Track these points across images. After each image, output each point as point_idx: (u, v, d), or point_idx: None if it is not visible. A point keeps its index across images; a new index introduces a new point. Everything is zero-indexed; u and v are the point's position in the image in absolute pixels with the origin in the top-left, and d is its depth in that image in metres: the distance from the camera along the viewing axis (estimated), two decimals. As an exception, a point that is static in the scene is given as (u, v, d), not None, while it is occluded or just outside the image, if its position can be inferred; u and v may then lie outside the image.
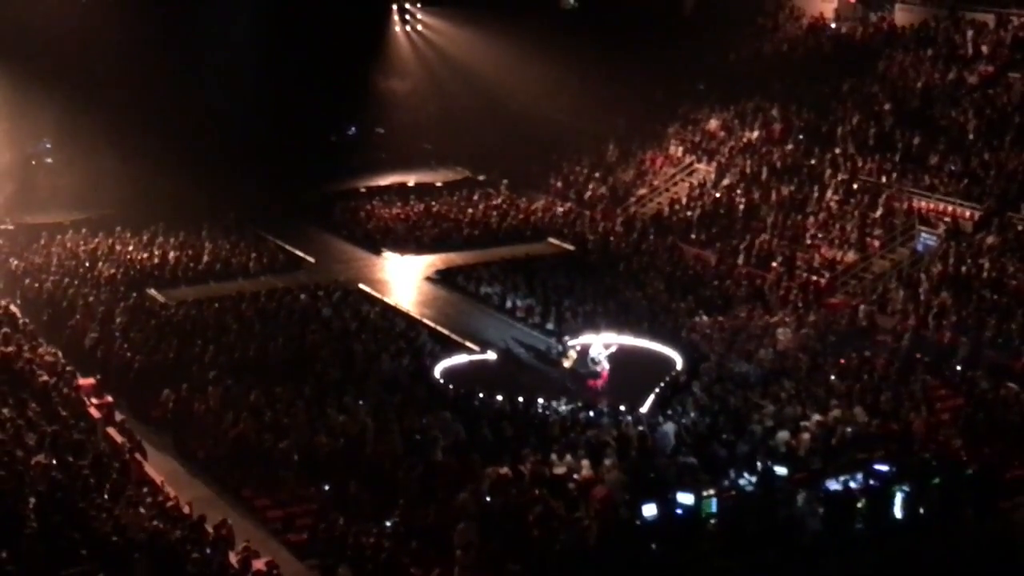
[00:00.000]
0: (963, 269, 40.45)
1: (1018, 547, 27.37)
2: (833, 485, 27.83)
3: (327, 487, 28.54)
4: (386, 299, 44.22)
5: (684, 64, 60.89)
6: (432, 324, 41.46)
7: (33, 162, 57.06)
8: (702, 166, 54.45)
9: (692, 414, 32.59)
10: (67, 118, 53.18)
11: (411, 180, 60.37)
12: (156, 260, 46.46)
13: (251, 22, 58.27)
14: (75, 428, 28.81)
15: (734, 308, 41.56)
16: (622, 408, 33.66)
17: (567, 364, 37.52)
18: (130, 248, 47.68)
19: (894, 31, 56.19)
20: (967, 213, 43.22)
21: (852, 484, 27.87)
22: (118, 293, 42.21)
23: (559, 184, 57.86)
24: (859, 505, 27.63)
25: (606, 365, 36.38)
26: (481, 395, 34.61)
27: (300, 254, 49.52)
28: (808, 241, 46.09)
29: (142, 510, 24.50)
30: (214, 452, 30.94)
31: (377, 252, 50.58)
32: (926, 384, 34.32)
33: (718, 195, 51.37)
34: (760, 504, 27.39)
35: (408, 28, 65.38)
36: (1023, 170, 43.63)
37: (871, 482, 27.95)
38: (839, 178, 48.09)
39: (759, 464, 28.74)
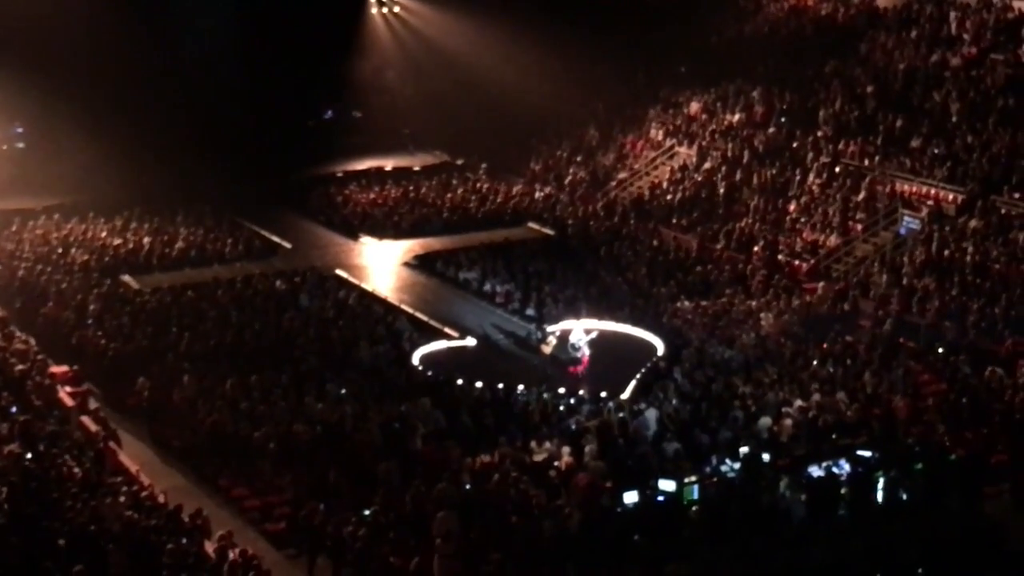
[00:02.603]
0: (946, 253, 40.25)
1: (1001, 532, 27.20)
2: (816, 471, 27.61)
3: (304, 476, 28.20)
4: (364, 285, 43.91)
5: (665, 47, 60.62)
6: (410, 310, 41.18)
7: (4, 147, 56.64)
8: (683, 149, 54.20)
9: (674, 400, 32.30)
10: (39, 103, 52.65)
11: (389, 164, 60.13)
12: (130, 246, 46.17)
13: (226, 5, 57.91)
14: (48, 417, 28.55)
15: (716, 293, 41.30)
16: (603, 394, 33.34)
17: (547, 350, 37.28)
18: (103, 234, 47.42)
19: (876, 12, 55.94)
20: (950, 196, 42.99)
21: (835, 470, 27.62)
22: (92, 280, 41.83)
23: (539, 168, 57.63)
24: (842, 491, 27.41)
25: (587, 351, 36.10)
26: (460, 382, 34.30)
27: (276, 240, 49.23)
28: (790, 225, 45.80)
29: (118, 499, 24.25)
30: (190, 441, 30.71)
31: (355, 237, 50.29)
32: (909, 369, 34.13)
33: (699, 179, 51.15)
34: (743, 490, 27.15)
35: (385, 10, 64.91)
36: (1006, 153, 43.39)
37: (854, 468, 27.71)
38: (821, 161, 47.86)
39: (741, 450, 28.50)
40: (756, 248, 44.61)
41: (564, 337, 36.95)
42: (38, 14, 51.64)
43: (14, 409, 28.15)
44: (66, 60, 52.68)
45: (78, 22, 51.83)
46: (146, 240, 46.82)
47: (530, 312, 40.51)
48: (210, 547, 23.70)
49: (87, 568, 20.69)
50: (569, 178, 55.65)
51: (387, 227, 50.79)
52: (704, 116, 55.33)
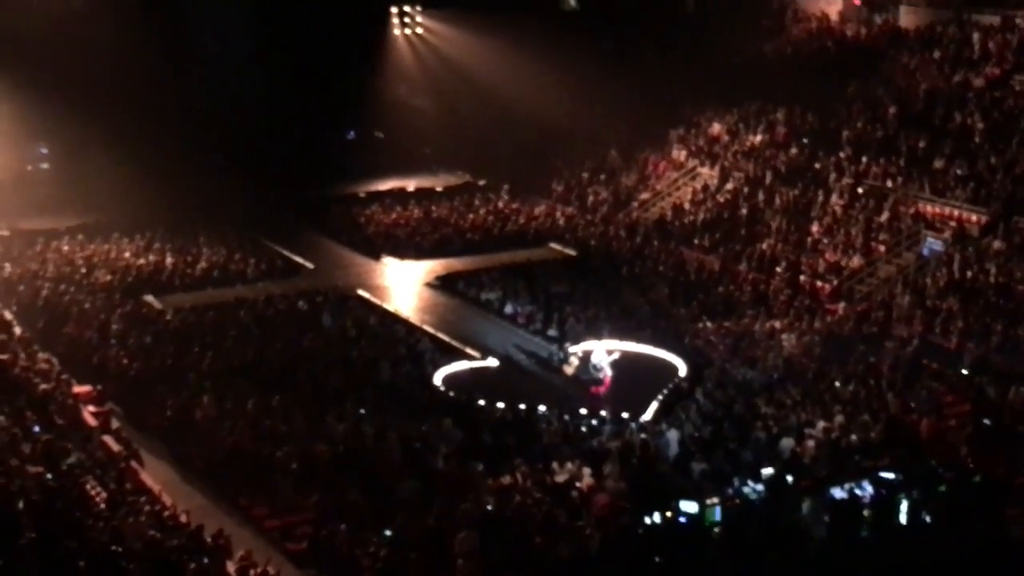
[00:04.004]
0: (969, 274, 40.10)
1: (1025, 555, 27.09)
2: (838, 492, 27.47)
3: (325, 495, 28.18)
4: (386, 305, 43.93)
5: (687, 67, 60.55)
6: (432, 330, 41.16)
7: (29, 168, 56.90)
8: (705, 170, 54.14)
9: (695, 421, 32.22)
10: (64, 123, 52.89)
11: (411, 185, 60.23)
12: (153, 266, 46.19)
13: (249, 26, 58.31)
14: (71, 436, 28.58)
15: (738, 314, 41.20)
16: (625, 415, 33.30)
17: (569, 371, 37.24)
18: (127, 254, 47.52)
19: (899, 33, 55.90)
20: (973, 217, 42.87)
21: (858, 491, 27.50)
22: (115, 300, 41.94)
23: (561, 189, 57.62)
24: (865, 513, 27.29)
25: (608, 372, 36.04)
26: (482, 402, 34.30)
27: (299, 260, 49.31)
28: (812, 246, 45.69)
29: (139, 519, 24.26)
30: (211, 460, 30.63)
31: (377, 257, 50.31)
32: (932, 390, 34.00)
33: (722, 200, 51.07)
34: (765, 512, 27.06)
35: (408, 31, 65.08)
36: (1030, 174, 43.34)
37: (877, 489, 27.60)
38: (844, 182, 47.75)
39: (764, 472, 28.41)
40: (778, 269, 44.49)
41: (586, 358, 36.90)
42: (62, 35, 52.03)
43: (37, 428, 28.19)
44: (90, 81, 52.98)
45: (102, 44, 52.18)
46: (169, 260, 46.95)
47: (552, 333, 40.48)
48: (231, 567, 23.69)
49: (109, 588, 20.73)
50: (591, 198, 55.62)
51: (409, 247, 50.82)
52: (726, 137, 55.26)
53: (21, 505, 22.80)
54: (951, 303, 38.82)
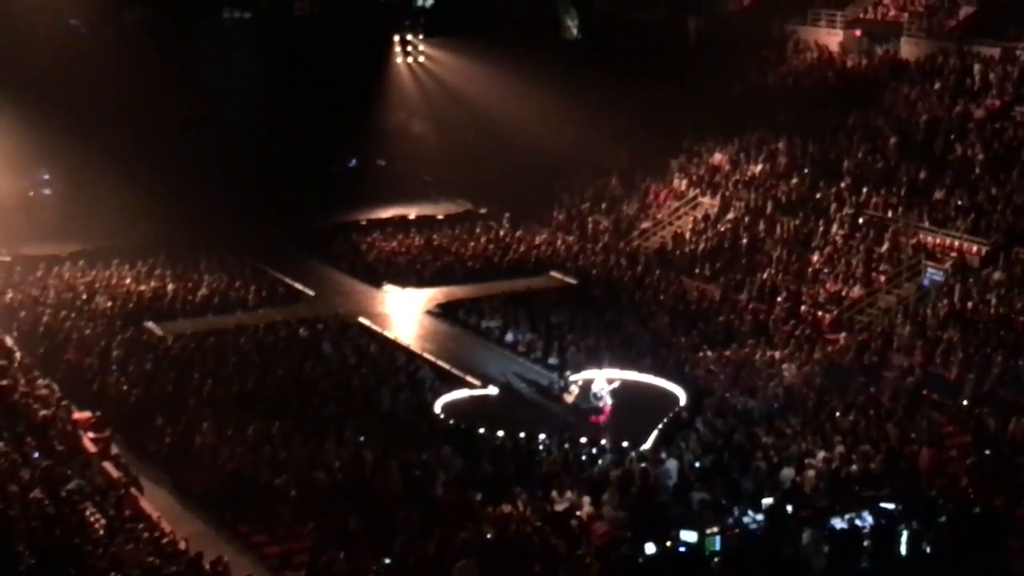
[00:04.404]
0: (970, 305, 40.12)
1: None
2: (839, 523, 27.49)
3: (324, 523, 28.14)
4: (386, 333, 43.91)
5: (688, 96, 60.68)
6: (433, 358, 41.14)
7: (31, 193, 56.90)
8: (706, 199, 54.20)
9: (695, 450, 32.19)
10: (65, 149, 52.92)
11: (412, 213, 60.19)
12: (154, 292, 46.16)
13: (252, 53, 58.36)
14: (71, 463, 28.54)
15: (738, 343, 41.19)
16: (625, 444, 33.25)
17: (569, 399, 37.21)
18: (127, 280, 47.41)
19: (899, 64, 56.05)
20: (974, 248, 42.92)
21: (858, 522, 27.52)
22: (115, 326, 41.90)
23: (561, 217, 57.64)
24: (865, 543, 27.25)
25: (609, 400, 36.00)
26: (482, 430, 34.26)
27: (299, 287, 49.24)
28: (813, 276, 45.70)
29: (138, 545, 24.22)
30: (211, 487, 30.61)
31: (377, 285, 50.28)
32: (933, 421, 33.99)
33: (722, 229, 51.11)
34: (765, 542, 27.03)
35: (410, 59, 65.19)
36: (1030, 205, 43.41)
37: (877, 520, 27.57)
38: (844, 212, 47.81)
39: (764, 501, 28.38)
40: (779, 299, 44.51)
41: (586, 386, 36.87)
42: (65, 60, 52.24)
43: (36, 454, 28.17)
44: (92, 107, 53.02)
45: (105, 70, 52.29)
46: (170, 287, 46.85)
47: (552, 361, 40.44)
48: (230, 594, 23.68)
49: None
50: (592, 227, 55.64)
51: (410, 275, 50.78)
52: (727, 166, 55.34)
53: (21, 531, 22.76)
54: (951, 334, 38.82)
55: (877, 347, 39.64)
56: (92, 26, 57.14)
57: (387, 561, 25.92)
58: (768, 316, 43.48)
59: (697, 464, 31.16)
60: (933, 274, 43.00)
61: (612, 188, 58.51)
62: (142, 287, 46.65)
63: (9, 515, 23.25)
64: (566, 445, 33.06)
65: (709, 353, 40.46)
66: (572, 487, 29.45)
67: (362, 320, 45.13)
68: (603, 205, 57.47)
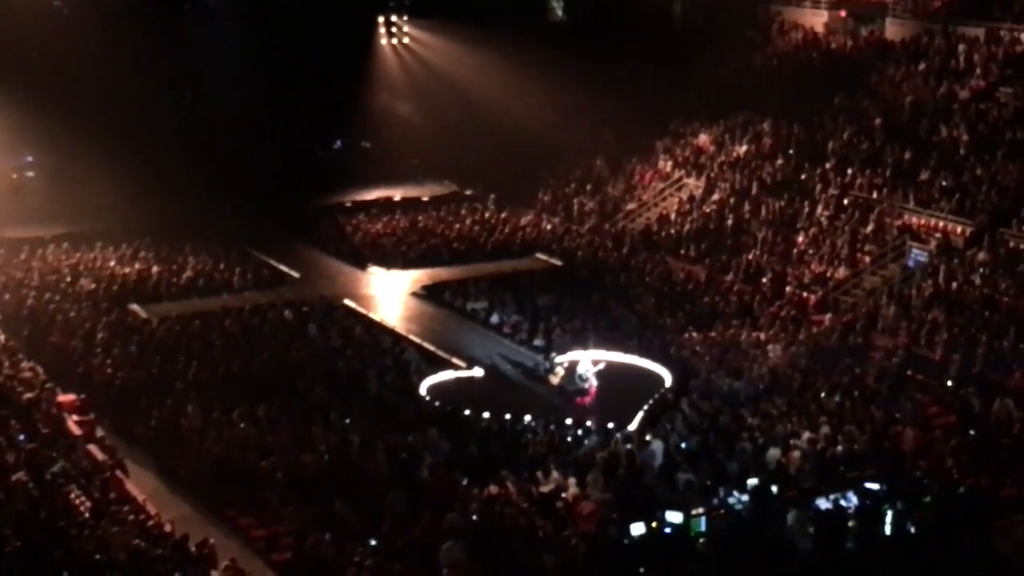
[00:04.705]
0: (954, 285, 40.16)
1: (1010, 567, 27.06)
2: (824, 503, 27.53)
3: (311, 505, 28.14)
4: (372, 315, 43.89)
5: (673, 78, 60.56)
6: (418, 340, 41.13)
7: (14, 176, 56.72)
8: (691, 181, 54.18)
9: (681, 431, 32.22)
10: (49, 132, 52.67)
11: (397, 194, 60.12)
12: (138, 275, 46.07)
13: (236, 34, 58.15)
14: (56, 446, 28.52)
15: (724, 324, 41.21)
16: (610, 425, 33.28)
17: (555, 381, 37.25)
18: (112, 263, 47.40)
19: (885, 45, 56.03)
20: (958, 229, 42.96)
21: (843, 502, 27.57)
22: (100, 308, 41.85)
23: (547, 199, 57.60)
24: (850, 524, 27.34)
25: (594, 382, 36.08)
26: (468, 412, 34.28)
27: (285, 269, 49.21)
28: (798, 257, 45.75)
29: (124, 528, 24.23)
30: (197, 470, 30.61)
31: (363, 267, 50.29)
32: (917, 401, 34.06)
33: (708, 210, 51.11)
34: (750, 523, 27.09)
35: (395, 41, 64.98)
36: (1015, 186, 43.38)
37: (862, 500, 27.63)
38: (829, 193, 47.84)
39: (749, 482, 28.43)
40: (764, 280, 44.55)
41: (572, 368, 36.91)
42: (49, 43, 51.99)
43: (21, 437, 28.14)
44: (76, 89, 52.77)
45: (89, 52, 52.03)
46: (154, 269, 46.81)
47: (538, 343, 40.47)
48: (216, 577, 23.69)
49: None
50: (577, 209, 55.62)
51: (395, 257, 50.77)
52: (713, 148, 55.32)
53: (6, 515, 22.75)
54: (936, 314, 38.86)
55: (862, 328, 39.70)
56: (75, 7, 56.81)
57: (373, 543, 25.92)
58: (753, 297, 43.52)
59: (683, 445, 31.15)
60: (918, 255, 43.04)
61: (597, 169, 58.47)
62: (127, 269, 46.63)
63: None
64: (552, 427, 33.09)
65: (695, 334, 40.52)
66: (558, 469, 29.44)
67: (348, 302, 45.11)
68: (588, 187, 57.45)
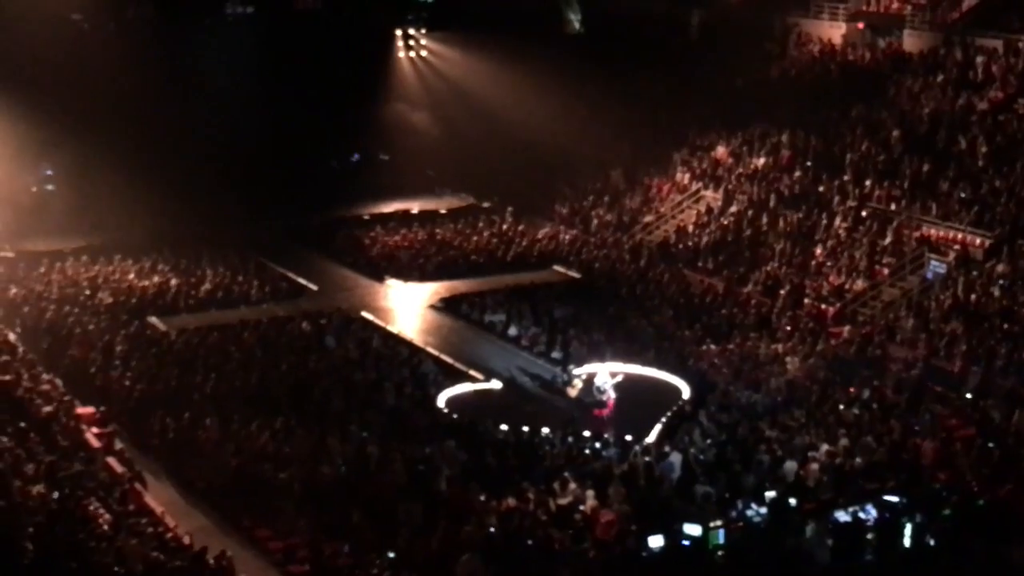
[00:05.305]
0: (973, 297, 40.07)
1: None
2: (842, 516, 27.48)
3: (328, 517, 28.14)
4: (389, 327, 43.92)
5: (691, 90, 60.59)
6: (436, 352, 41.16)
7: (34, 189, 56.87)
8: (709, 193, 54.12)
9: (699, 444, 32.19)
10: (68, 145, 52.91)
11: (415, 207, 60.10)
12: (157, 287, 46.17)
13: (253, 47, 58.29)
14: (75, 458, 28.57)
15: (742, 336, 41.15)
16: (628, 438, 33.25)
17: (573, 393, 37.21)
18: (131, 276, 47.44)
19: (902, 57, 55.93)
20: (977, 241, 42.86)
21: (862, 515, 27.51)
22: (119, 321, 41.91)
23: (565, 211, 57.56)
24: (868, 536, 27.26)
25: (612, 394, 36.05)
26: (486, 425, 34.24)
27: (303, 281, 49.23)
28: (816, 269, 45.66)
29: (142, 540, 24.26)
30: (215, 482, 30.61)
31: (380, 279, 50.27)
32: (936, 414, 33.95)
33: (725, 222, 51.05)
34: (768, 535, 27.03)
35: (412, 54, 65.11)
36: (1033, 197, 43.35)
37: (881, 513, 27.55)
38: (847, 205, 47.77)
39: (768, 495, 28.37)
40: (782, 292, 44.47)
41: (589, 380, 36.86)
42: (67, 56, 52.21)
43: (41, 450, 28.19)
44: (95, 103, 52.96)
45: (106, 65, 52.28)
46: (173, 282, 46.87)
47: (556, 355, 40.47)
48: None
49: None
50: (595, 221, 55.58)
51: (413, 269, 50.76)
52: (730, 160, 55.26)
53: (24, 527, 22.78)
54: (955, 326, 38.79)
55: (880, 340, 39.64)
56: (94, 21, 57.00)
57: (391, 555, 25.91)
58: (771, 309, 43.45)
59: (701, 457, 31.18)
60: (936, 267, 42.95)
61: (615, 182, 58.42)
62: (145, 282, 46.66)
63: (13, 510, 23.26)
64: (569, 439, 33.08)
65: (712, 346, 40.47)
66: (576, 481, 29.41)
67: (365, 314, 45.13)
68: (606, 199, 57.39)
